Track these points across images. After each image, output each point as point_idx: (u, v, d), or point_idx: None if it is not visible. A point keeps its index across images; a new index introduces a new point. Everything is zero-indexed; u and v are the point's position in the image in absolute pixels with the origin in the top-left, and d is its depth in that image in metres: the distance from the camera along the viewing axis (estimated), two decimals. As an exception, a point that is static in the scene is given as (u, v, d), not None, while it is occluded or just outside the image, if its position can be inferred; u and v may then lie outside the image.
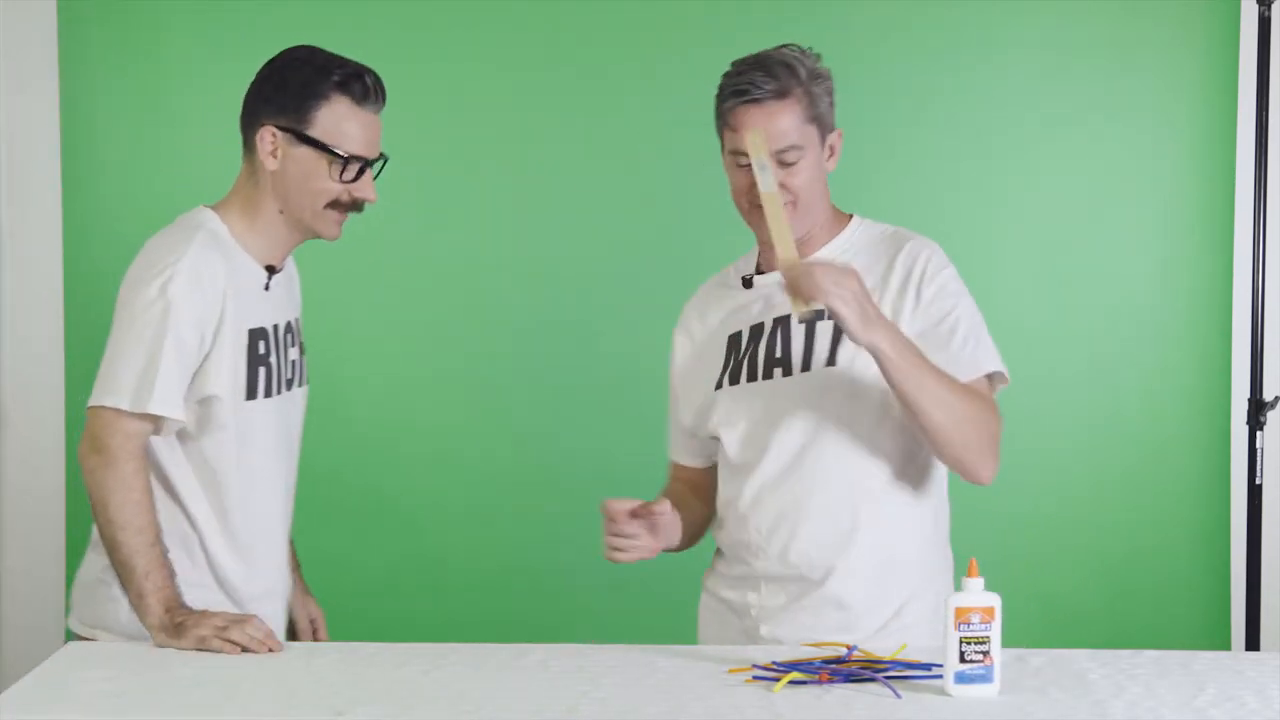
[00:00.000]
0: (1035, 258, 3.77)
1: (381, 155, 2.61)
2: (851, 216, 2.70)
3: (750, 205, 2.56)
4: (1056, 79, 3.77)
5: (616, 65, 3.83)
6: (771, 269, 2.61)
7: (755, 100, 2.51)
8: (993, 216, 3.79)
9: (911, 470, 2.60)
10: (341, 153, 2.54)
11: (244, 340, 2.56)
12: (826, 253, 2.63)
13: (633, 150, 3.83)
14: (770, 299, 2.63)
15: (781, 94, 2.52)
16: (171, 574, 2.49)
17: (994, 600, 2.20)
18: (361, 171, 2.57)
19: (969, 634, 2.18)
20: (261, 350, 2.59)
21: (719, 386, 2.65)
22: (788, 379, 2.58)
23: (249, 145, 2.62)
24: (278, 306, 2.65)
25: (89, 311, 3.86)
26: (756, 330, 2.63)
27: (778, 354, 2.60)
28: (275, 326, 2.63)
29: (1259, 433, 3.45)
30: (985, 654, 2.18)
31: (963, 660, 2.18)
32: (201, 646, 2.41)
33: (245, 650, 2.40)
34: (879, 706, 2.16)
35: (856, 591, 2.57)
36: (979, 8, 3.77)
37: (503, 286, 3.85)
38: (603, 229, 3.84)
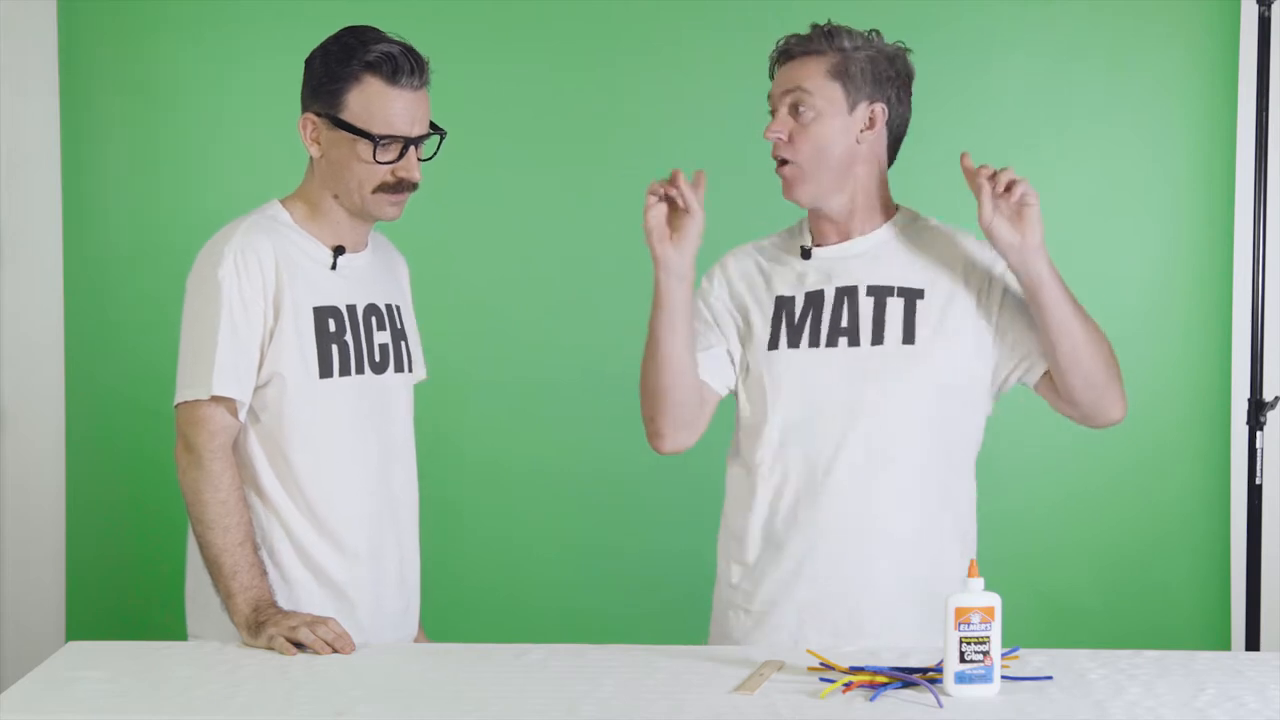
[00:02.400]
0: (1035, 258, 3.76)
1: (435, 131, 2.56)
2: (899, 208, 2.70)
3: (775, 156, 2.62)
4: (1056, 79, 3.77)
5: (620, 64, 3.84)
6: (827, 242, 2.65)
7: (789, 57, 2.60)
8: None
9: (954, 444, 2.64)
10: (373, 134, 2.50)
11: (309, 317, 2.54)
12: (866, 244, 2.64)
13: (642, 151, 3.83)
14: (830, 270, 2.63)
15: (810, 51, 2.59)
16: (262, 573, 2.49)
17: (994, 600, 2.20)
18: (405, 151, 2.53)
19: (969, 634, 2.18)
20: (332, 328, 2.56)
21: (773, 347, 2.62)
22: (855, 349, 2.58)
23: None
24: (355, 288, 2.61)
25: (89, 311, 3.86)
26: (815, 297, 2.62)
27: (844, 323, 2.60)
28: (351, 307, 2.60)
29: (1259, 433, 3.45)
30: (985, 654, 2.18)
31: (963, 660, 2.18)
32: (270, 646, 2.41)
33: (305, 651, 2.39)
34: (878, 707, 2.16)
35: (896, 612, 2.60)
36: (979, 8, 3.77)
37: (505, 286, 3.86)
38: (607, 228, 3.84)
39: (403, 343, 2.70)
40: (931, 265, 2.63)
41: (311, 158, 2.58)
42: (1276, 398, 3.46)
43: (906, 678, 2.23)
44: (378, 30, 2.55)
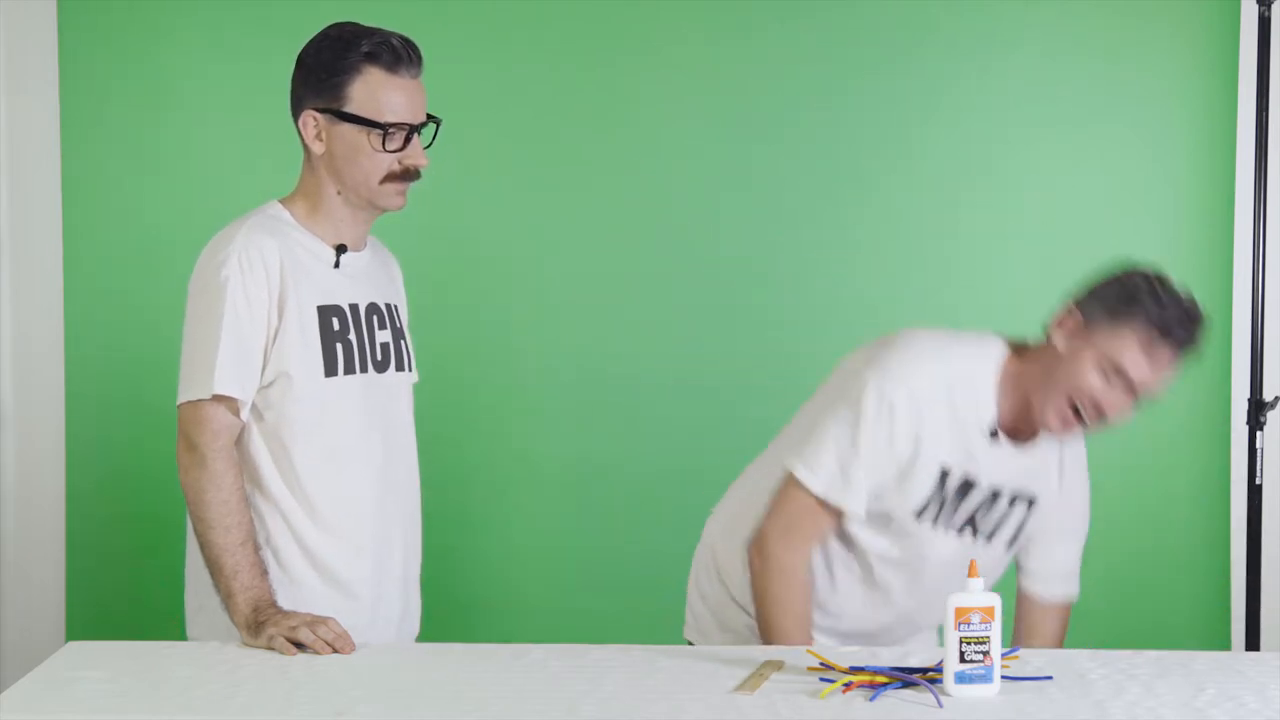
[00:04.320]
0: (1036, 258, 3.77)
1: (431, 119, 2.58)
2: None
3: (1072, 413, 2.53)
4: (1057, 80, 3.77)
5: (620, 64, 3.84)
6: (1015, 437, 2.62)
7: (1176, 347, 2.51)
8: (994, 216, 3.79)
9: None
10: (381, 123, 2.52)
11: (313, 316, 2.55)
12: (1045, 449, 2.66)
13: (642, 151, 3.83)
14: (995, 466, 2.61)
15: (1184, 350, 2.54)
16: (262, 573, 2.49)
17: (994, 600, 2.20)
18: (409, 139, 2.55)
19: (969, 634, 2.18)
20: (336, 327, 2.57)
21: (919, 516, 2.62)
22: (973, 542, 2.66)
23: (299, 133, 2.60)
24: (357, 286, 2.62)
25: (89, 311, 3.86)
26: (967, 485, 2.62)
27: (978, 520, 2.65)
28: (354, 306, 2.60)
29: (1259, 433, 3.45)
30: (985, 654, 2.18)
31: (963, 660, 2.18)
32: (270, 646, 2.41)
33: (305, 651, 2.39)
34: (878, 707, 2.16)
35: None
36: (980, 9, 3.77)
37: (505, 286, 3.86)
38: (608, 228, 3.84)
39: (402, 342, 2.71)
40: (1043, 471, 2.67)
41: (312, 156, 2.58)
42: (1276, 398, 3.46)
43: (906, 678, 2.23)
44: (361, 24, 2.57)
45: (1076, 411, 2.53)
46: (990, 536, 2.66)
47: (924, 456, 2.58)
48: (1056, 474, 2.68)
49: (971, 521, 2.64)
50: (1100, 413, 2.52)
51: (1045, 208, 3.79)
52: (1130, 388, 2.51)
